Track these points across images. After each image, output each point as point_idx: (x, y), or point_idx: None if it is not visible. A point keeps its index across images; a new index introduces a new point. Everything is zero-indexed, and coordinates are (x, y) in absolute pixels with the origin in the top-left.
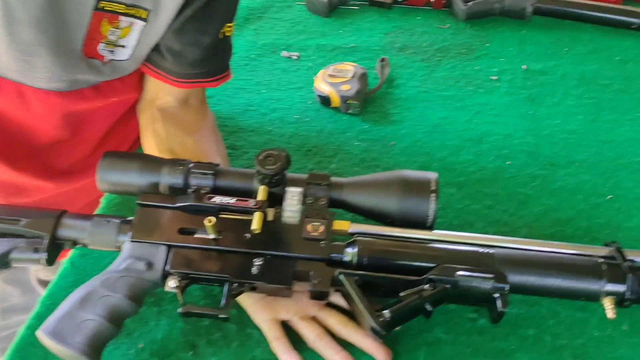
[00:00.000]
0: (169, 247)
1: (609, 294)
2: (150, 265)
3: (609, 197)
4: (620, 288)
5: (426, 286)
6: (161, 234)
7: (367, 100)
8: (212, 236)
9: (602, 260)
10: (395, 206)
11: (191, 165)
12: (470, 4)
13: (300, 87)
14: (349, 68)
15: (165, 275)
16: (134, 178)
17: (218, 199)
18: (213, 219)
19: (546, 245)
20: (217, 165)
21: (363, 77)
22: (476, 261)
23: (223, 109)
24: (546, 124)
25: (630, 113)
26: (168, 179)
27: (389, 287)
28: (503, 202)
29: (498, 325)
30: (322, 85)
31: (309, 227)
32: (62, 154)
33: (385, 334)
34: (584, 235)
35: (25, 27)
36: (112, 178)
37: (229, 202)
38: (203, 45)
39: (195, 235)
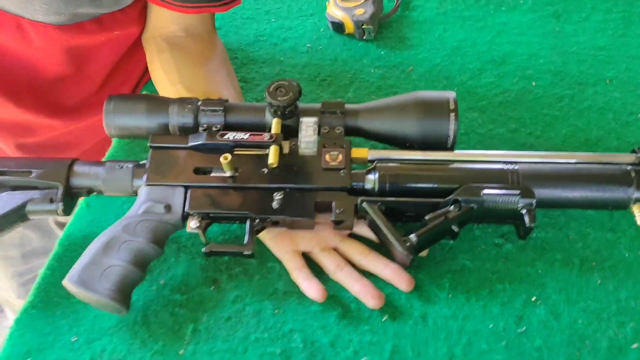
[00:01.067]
0: (186, 188)
1: (638, 200)
2: (169, 207)
3: None
4: None
5: (451, 207)
6: (177, 175)
7: (382, 25)
8: (228, 174)
9: (630, 167)
10: (414, 128)
11: (199, 103)
12: None
13: (312, 14)
14: None
15: (185, 217)
16: (141, 121)
17: (231, 135)
18: (228, 155)
19: (572, 157)
20: (227, 101)
21: (377, 0)
22: (501, 178)
23: (232, 40)
24: (573, 41)
25: None
26: (177, 119)
27: (412, 211)
28: (528, 124)
29: (524, 249)
30: (335, 10)
31: (327, 157)
32: (68, 90)
33: (413, 259)
34: None
35: None
36: (119, 122)
37: (242, 138)
38: None
39: (212, 174)
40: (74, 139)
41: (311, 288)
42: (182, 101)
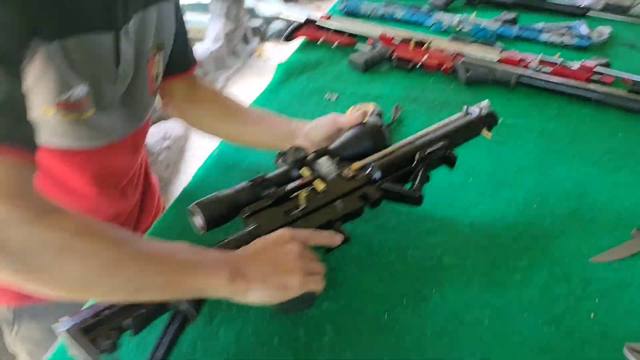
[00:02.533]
0: (289, 224)
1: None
2: None
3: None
4: None
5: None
6: (278, 221)
7: None
8: (302, 205)
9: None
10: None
11: (256, 183)
12: (469, 72)
13: None
14: (371, 107)
15: None
16: (230, 213)
17: (290, 185)
18: (305, 191)
19: None
20: (263, 175)
21: (379, 114)
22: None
23: None
24: (507, 158)
25: (568, 157)
26: (248, 199)
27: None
28: None
29: None
30: None
31: (344, 173)
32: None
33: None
34: None
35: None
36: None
37: (298, 183)
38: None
39: (294, 212)
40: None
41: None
42: (251, 187)
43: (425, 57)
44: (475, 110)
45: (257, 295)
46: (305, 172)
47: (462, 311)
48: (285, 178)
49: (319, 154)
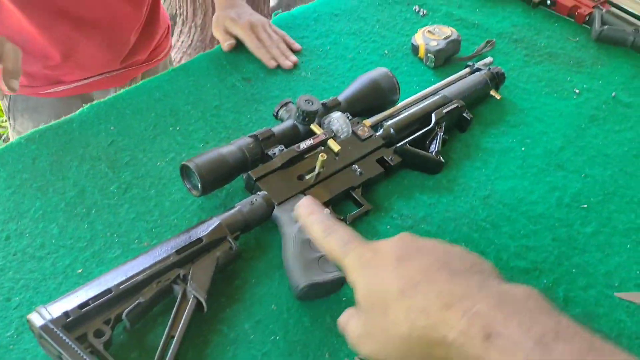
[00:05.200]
0: (303, 192)
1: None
2: None
3: None
4: None
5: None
6: (291, 188)
7: (450, 62)
8: (318, 170)
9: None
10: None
11: (263, 138)
12: (605, 27)
13: (407, 35)
14: (447, 31)
15: None
16: (230, 172)
17: (303, 144)
18: (324, 154)
19: None
20: (271, 130)
21: (454, 42)
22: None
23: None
24: (594, 143)
25: None
26: (250, 156)
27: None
28: None
29: None
30: (419, 37)
31: (359, 132)
32: None
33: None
34: None
35: None
36: (212, 180)
37: (311, 143)
38: None
39: (307, 177)
40: None
41: None
42: (256, 143)
43: None
44: (481, 68)
45: None
46: (315, 128)
47: None
48: (293, 134)
49: (328, 107)
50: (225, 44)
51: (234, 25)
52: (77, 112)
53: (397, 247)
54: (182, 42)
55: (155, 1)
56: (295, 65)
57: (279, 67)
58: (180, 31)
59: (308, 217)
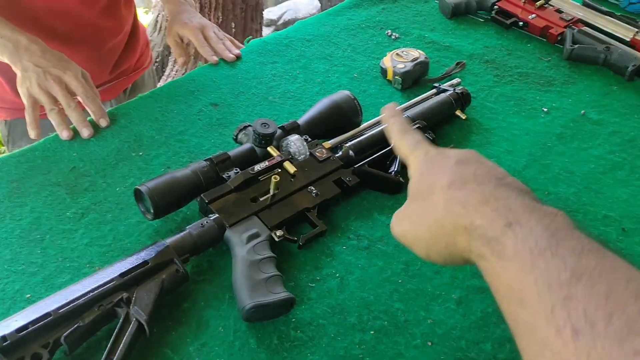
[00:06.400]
0: (256, 214)
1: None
2: (257, 233)
3: None
4: None
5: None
6: (244, 210)
7: (419, 84)
8: (272, 192)
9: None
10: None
11: (212, 164)
12: (576, 46)
13: (378, 58)
14: (415, 54)
15: (271, 230)
16: (183, 197)
17: (258, 167)
18: (277, 176)
19: None
20: (226, 153)
21: (421, 64)
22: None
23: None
24: (560, 161)
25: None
26: (204, 180)
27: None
28: None
29: None
30: (387, 60)
31: (317, 153)
32: None
33: (402, 182)
34: None
35: None
36: (166, 205)
37: (266, 165)
38: None
39: (262, 199)
40: None
41: None
42: (210, 167)
43: (534, 15)
44: (447, 89)
45: None
46: (272, 151)
47: None
48: (250, 157)
49: (287, 130)
50: (179, 60)
51: (183, 28)
52: (42, 140)
53: (461, 154)
54: (177, 70)
55: (135, 16)
56: (239, 58)
57: (242, 91)
58: (175, 61)
59: (390, 119)
